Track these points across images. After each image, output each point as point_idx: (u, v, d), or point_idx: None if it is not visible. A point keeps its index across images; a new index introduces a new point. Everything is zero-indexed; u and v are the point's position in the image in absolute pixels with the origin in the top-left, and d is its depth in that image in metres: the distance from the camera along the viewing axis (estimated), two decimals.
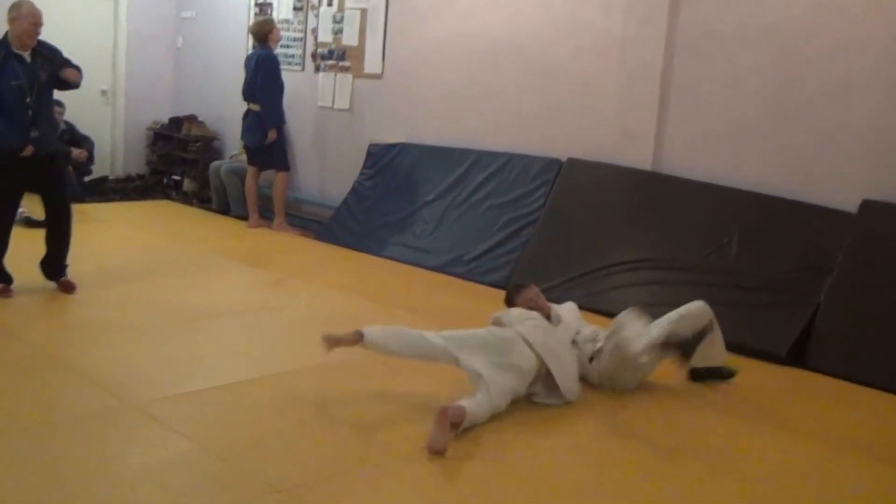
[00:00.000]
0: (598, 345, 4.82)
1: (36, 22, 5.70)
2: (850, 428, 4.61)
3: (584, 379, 4.78)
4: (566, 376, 4.53)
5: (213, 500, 3.28)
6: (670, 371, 5.03)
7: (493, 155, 8.11)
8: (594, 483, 3.71)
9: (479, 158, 8.19)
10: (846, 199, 6.04)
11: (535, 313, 4.76)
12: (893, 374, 5.31)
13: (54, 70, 5.77)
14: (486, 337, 4.45)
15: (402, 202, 8.58)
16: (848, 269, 5.83)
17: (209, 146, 11.16)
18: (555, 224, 7.34)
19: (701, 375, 5.06)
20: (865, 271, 5.77)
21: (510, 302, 5.01)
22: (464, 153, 8.34)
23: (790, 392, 5.18)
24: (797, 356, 5.69)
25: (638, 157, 7.14)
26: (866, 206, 5.93)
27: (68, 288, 6.04)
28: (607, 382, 4.82)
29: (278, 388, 4.52)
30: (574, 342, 4.86)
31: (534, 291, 5.00)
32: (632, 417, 4.52)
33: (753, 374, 5.38)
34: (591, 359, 4.83)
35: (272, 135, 9.21)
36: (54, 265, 6.07)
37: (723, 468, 3.92)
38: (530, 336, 4.49)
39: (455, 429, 3.94)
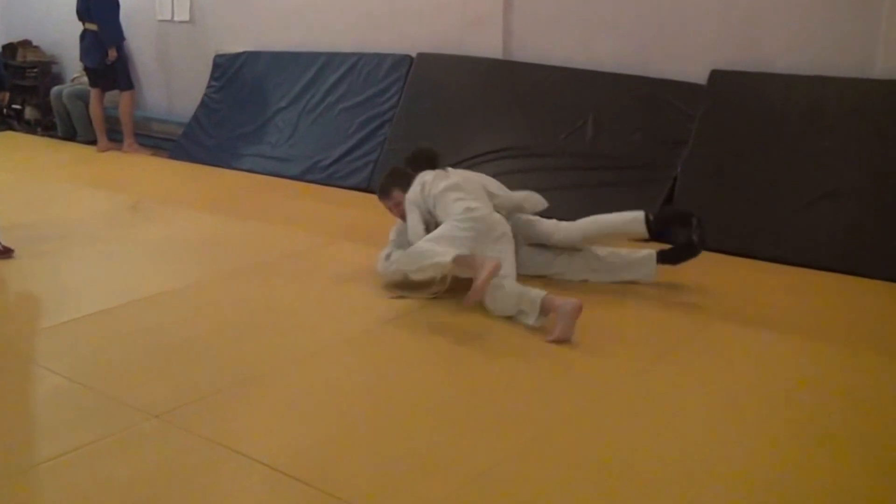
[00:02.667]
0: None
1: None
2: (720, 297, 4.62)
3: None
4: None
5: (89, 432, 3.15)
6: None
7: (342, 56, 7.91)
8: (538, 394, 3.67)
9: (328, 61, 7.98)
10: (696, 72, 6.01)
11: (451, 179, 4.61)
12: (752, 240, 5.38)
13: None
14: (476, 226, 4.33)
15: (255, 112, 8.37)
16: (702, 140, 5.85)
17: (48, 71, 10.71)
18: (411, 121, 7.22)
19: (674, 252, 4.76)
20: (719, 141, 5.79)
21: (385, 193, 4.84)
22: (312, 57, 8.12)
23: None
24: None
25: (488, 46, 7.02)
26: (715, 76, 5.92)
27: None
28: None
29: (145, 313, 4.40)
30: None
31: (397, 198, 4.81)
32: None
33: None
34: None
35: (112, 54, 8.82)
36: None
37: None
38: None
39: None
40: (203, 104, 8.82)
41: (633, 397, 3.45)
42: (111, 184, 7.65)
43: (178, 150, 8.69)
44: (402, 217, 4.76)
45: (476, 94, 6.96)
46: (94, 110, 9.16)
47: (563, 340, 3.91)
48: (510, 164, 6.43)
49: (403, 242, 4.70)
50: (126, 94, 9.09)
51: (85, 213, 6.49)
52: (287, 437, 3.12)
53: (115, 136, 9.31)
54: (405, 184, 4.77)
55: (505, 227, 4.55)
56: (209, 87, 8.85)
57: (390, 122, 7.34)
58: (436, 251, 4.19)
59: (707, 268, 5.05)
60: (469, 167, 6.44)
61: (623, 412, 3.32)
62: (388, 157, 7.10)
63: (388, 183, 4.89)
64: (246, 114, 8.40)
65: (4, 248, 5.05)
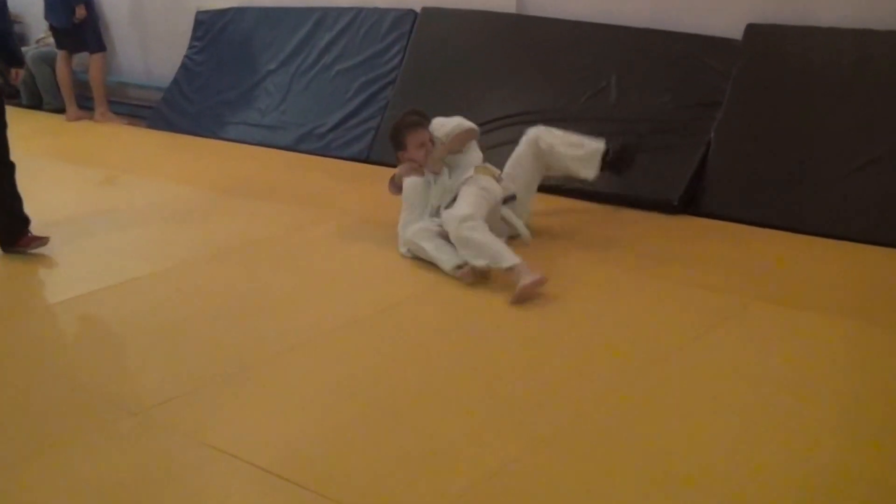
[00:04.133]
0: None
1: None
2: (756, 273, 4.64)
3: None
4: None
5: (62, 430, 3.17)
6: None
7: (338, 11, 7.90)
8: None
9: (323, 16, 7.98)
10: (730, 26, 5.97)
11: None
12: (792, 210, 5.39)
13: None
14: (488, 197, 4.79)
15: (242, 75, 8.35)
16: (737, 101, 5.84)
17: None
18: (416, 84, 7.19)
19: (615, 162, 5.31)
20: (756, 101, 5.79)
21: (400, 145, 5.10)
22: (305, 12, 8.11)
23: (687, 241, 5.21)
24: (690, 202, 5.73)
25: None
26: (751, 30, 5.89)
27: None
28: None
29: (122, 299, 4.41)
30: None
31: (425, 136, 5.05)
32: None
33: (644, 226, 5.47)
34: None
35: (80, 11, 8.79)
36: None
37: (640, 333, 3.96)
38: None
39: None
40: (184, 67, 8.82)
41: (665, 384, 3.45)
42: (82, 157, 7.66)
43: (157, 119, 8.72)
44: (420, 165, 4.98)
45: (487, 52, 6.92)
46: (62, 75, 9.14)
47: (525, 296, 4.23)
48: (521, 131, 6.42)
49: (416, 202, 4.91)
50: (96, 57, 9.07)
51: (54, 190, 6.45)
52: (278, 435, 3.11)
53: (85, 104, 9.34)
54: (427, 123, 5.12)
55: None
56: (191, 47, 8.86)
57: (393, 84, 7.30)
58: (503, 255, 4.38)
59: (744, 241, 5.11)
60: (482, 135, 6.49)
61: (653, 401, 3.32)
62: (390, 123, 7.03)
63: (416, 120, 5.10)
64: (232, 77, 8.38)
65: (36, 236, 5.06)
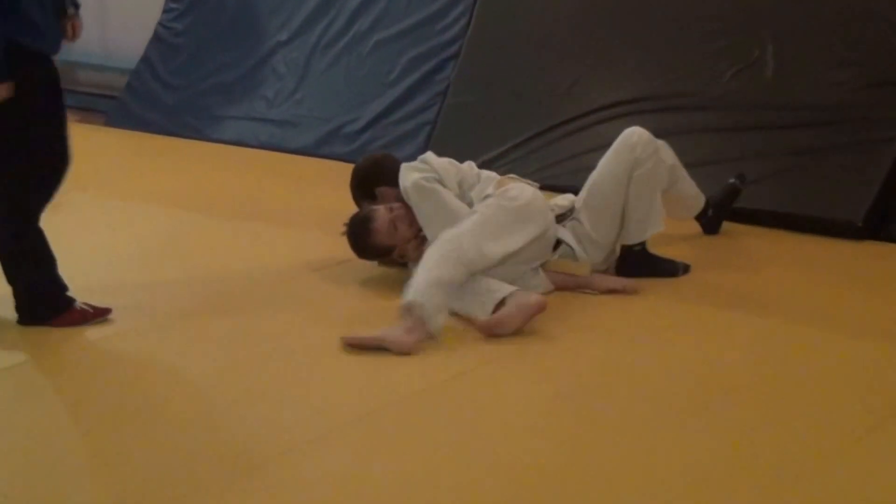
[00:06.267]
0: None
1: None
2: None
3: None
4: None
5: None
6: None
7: None
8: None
9: None
10: None
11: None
12: None
13: None
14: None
15: (240, 49, 8.30)
16: None
17: None
18: (487, 59, 7.08)
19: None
20: None
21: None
22: None
23: (875, 277, 5.22)
24: (880, 223, 5.67)
25: None
26: None
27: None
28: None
29: (76, 372, 4.42)
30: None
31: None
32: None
33: (819, 258, 5.46)
34: None
35: None
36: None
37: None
38: None
39: None
40: (157, 39, 8.80)
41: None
42: None
43: (120, 113, 8.71)
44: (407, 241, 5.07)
45: (590, 17, 6.86)
46: None
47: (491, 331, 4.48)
48: (641, 124, 6.22)
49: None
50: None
51: None
52: None
53: None
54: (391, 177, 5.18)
55: None
56: (167, 11, 8.85)
57: (455, 60, 7.27)
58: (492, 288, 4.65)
59: None
60: (581, 131, 6.56)
61: None
62: (452, 116, 7.06)
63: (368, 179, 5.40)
64: (226, 53, 8.37)
65: (96, 308, 5.01)
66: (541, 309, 4.49)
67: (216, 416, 3.98)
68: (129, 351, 4.58)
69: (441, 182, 5.00)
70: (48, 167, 4.76)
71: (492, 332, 4.43)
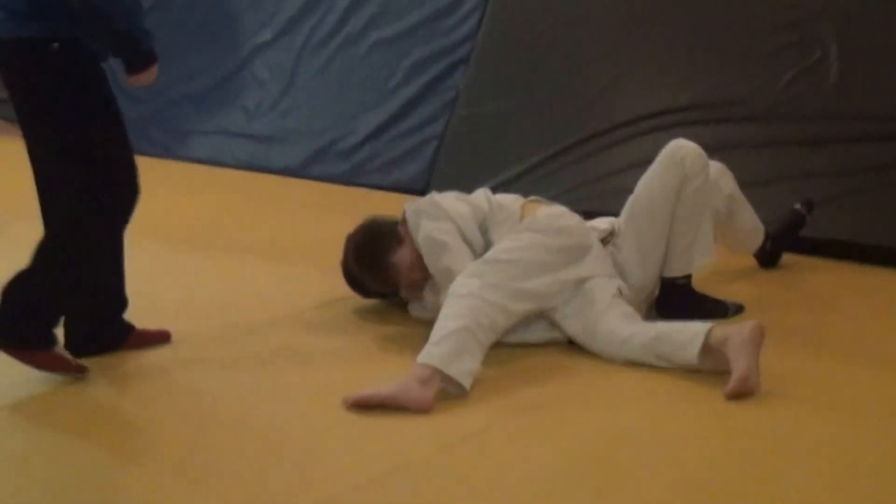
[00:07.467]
0: None
1: None
2: None
3: None
4: None
5: None
6: None
7: None
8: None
9: None
10: None
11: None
12: None
13: None
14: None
15: (214, 53, 8.43)
16: None
17: None
18: (503, 62, 7.12)
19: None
20: None
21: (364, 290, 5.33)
22: None
23: None
24: None
25: None
26: None
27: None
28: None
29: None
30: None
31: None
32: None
33: (882, 293, 5.44)
34: None
35: None
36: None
37: None
38: None
39: None
40: None
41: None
42: None
43: None
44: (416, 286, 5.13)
45: (620, 13, 6.91)
46: None
47: (747, 387, 4.22)
48: (685, 137, 6.13)
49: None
50: None
51: None
52: None
53: None
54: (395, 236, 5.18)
55: None
56: None
57: (464, 64, 7.32)
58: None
59: None
60: (611, 147, 6.58)
61: None
62: (462, 130, 7.08)
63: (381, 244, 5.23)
64: (199, 56, 8.49)
65: (76, 365, 5.07)
66: (763, 333, 4.28)
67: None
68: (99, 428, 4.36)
69: (461, 232, 5.02)
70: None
71: (746, 389, 4.24)
